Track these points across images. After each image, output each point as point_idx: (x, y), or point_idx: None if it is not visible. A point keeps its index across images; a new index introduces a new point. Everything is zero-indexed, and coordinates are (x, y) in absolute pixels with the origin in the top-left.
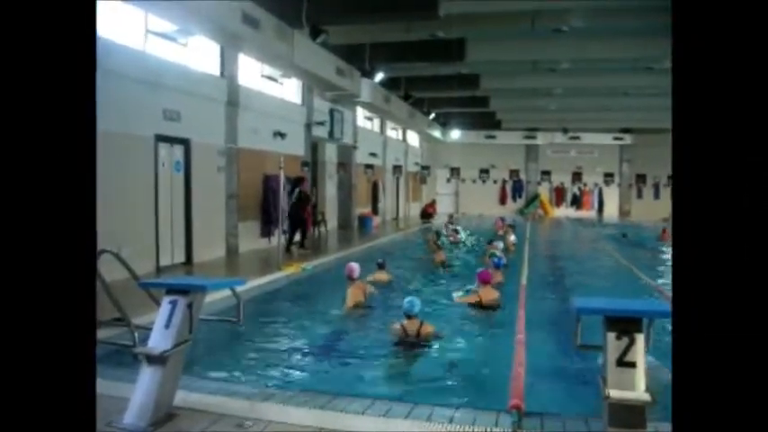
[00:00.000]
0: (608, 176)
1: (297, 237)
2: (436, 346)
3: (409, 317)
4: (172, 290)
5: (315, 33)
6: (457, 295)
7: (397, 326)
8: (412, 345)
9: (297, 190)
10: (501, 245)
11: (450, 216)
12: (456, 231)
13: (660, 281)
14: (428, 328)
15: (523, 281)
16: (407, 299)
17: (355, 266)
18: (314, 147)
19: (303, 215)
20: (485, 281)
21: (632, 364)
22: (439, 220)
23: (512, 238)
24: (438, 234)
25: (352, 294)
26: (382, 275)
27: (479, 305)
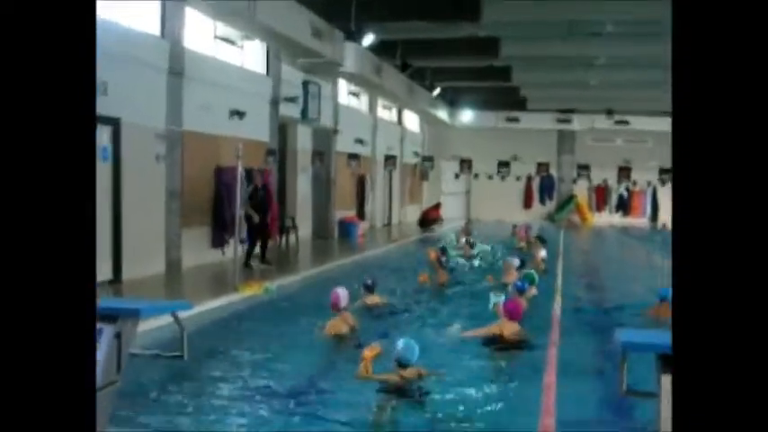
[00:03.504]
0: (665, 173)
1: (257, 248)
2: (440, 390)
3: (405, 366)
4: None
5: None
6: (461, 330)
7: (393, 377)
8: (406, 390)
9: (253, 186)
10: (517, 261)
11: (467, 223)
12: (470, 245)
13: None
14: (424, 372)
15: (556, 309)
16: (402, 344)
17: (342, 294)
18: (282, 130)
19: (265, 219)
20: (512, 315)
21: None
22: (445, 228)
23: (542, 253)
24: (444, 250)
25: (333, 325)
26: (374, 299)
27: (500, 340)
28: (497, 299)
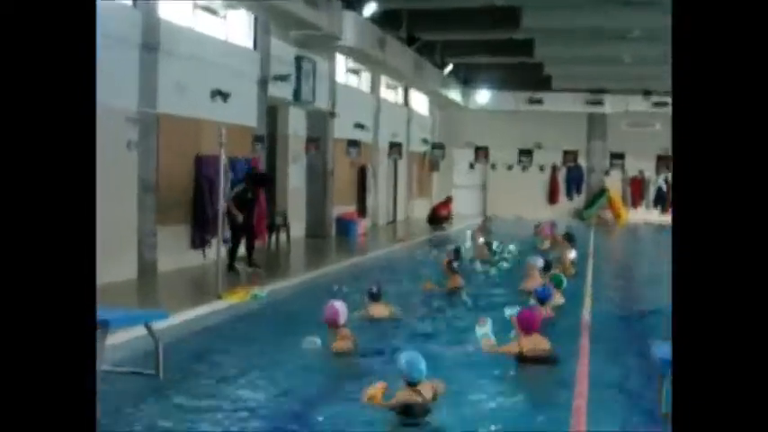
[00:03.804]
0: None
1: (242, 249)
2: (457, 416)
3: (413, 384)
4: None
5: None
6: (482, 334)
7: (404, 395)
8: (417, 411)
9: (243, 187)
10: (541, 262)
11: (485, 220)
12: (489, 246)
13: None
14: (441, 386)
15: (586, 316)
16: (405, 360)
17: (340, 308)
18: (271, 113)
19: (252, 216)
20: (526, 328)
21: None
22: (459, 226)
23: (571, 254)
24: (457, 251)
25: (336, 345)
26: (379, 309)
27: (520, 358)
28: (511, 310)
